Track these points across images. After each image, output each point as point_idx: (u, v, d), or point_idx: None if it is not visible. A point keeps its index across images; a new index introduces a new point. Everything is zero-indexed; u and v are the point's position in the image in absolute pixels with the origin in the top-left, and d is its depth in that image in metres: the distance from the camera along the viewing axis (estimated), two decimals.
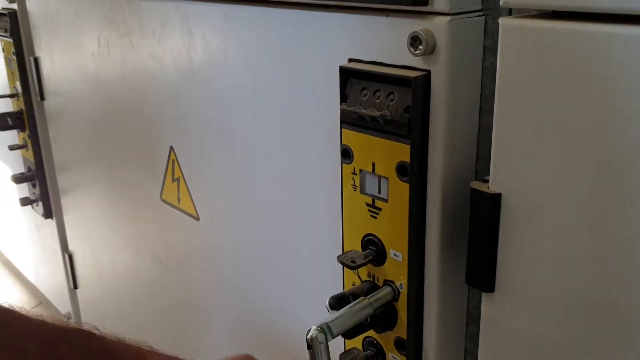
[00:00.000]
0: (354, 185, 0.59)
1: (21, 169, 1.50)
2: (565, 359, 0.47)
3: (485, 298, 0.52)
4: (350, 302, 0.58)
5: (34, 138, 1.39)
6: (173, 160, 0.90)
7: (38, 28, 1.21)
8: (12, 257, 1.97)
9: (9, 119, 1.39)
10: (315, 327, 0.53)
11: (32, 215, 1.55)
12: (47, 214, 1.46)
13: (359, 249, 0.61)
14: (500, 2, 0.45)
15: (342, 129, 0.59)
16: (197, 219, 0.89)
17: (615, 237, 0.42)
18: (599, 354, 0.45)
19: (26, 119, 1.38)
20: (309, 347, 0.53)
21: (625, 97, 0.40)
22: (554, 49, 0.43)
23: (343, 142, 0.59)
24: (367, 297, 0.58)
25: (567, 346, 0.47)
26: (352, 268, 0.58)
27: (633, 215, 0.41)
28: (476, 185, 0.50)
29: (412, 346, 0.59)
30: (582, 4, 0.41)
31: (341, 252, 0.62)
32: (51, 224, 1.48)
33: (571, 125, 0.43)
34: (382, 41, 0.54)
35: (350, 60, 0.58)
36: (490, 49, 0.52)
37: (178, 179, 0.90)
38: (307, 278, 0.73)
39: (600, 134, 0.41)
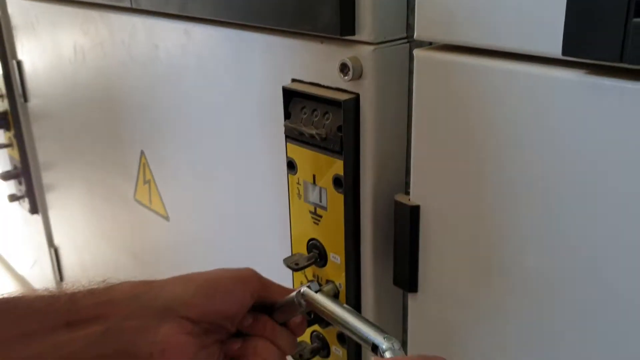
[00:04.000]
0: (299, 194, 0.65)
1: (8, 166, 1.55)
2: (479, 340, 0.53)
3: (410, 297, 0.58)
4: None
5: (19, 137, 1.44)
6: (144, 164, 0.95)
7: (20, 33, 1.25)
8: (2, 250, 2.02)
9: None
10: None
11: (20, 210, 1.61)
12: (33, 210, 1.51)
13: (305, 251, 0.66)
14: (414, 35, 0.51)
15: (287, 143, 0.64)
16: (167, 219, 0.94)
17: (512, 242, 0.48)
18: (508, 332, 0.51)
19: (11, 120, 1.43)
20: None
21: (509, 125, 0.45)
22: (458, 78, 0.48)
23: (288, 155, 0.64)
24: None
25: (479, 330, 0.53)
26: (294, 270, 0.64)
27: (524, 217, 0.47)
28: (399, 197, 0.56)
29: (351, 341, 0.65)
30: (480, 41, 0.46)
31: (290, 254, 0.68)
32: (37, 219, 1.53)
33: (471, 147, 0.48)
34: (319, 65, 0.59)
35: (294, 80, 0.63)
36: None
37: (149, 182, 0.96)
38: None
39: (493, 155, 0.47)
